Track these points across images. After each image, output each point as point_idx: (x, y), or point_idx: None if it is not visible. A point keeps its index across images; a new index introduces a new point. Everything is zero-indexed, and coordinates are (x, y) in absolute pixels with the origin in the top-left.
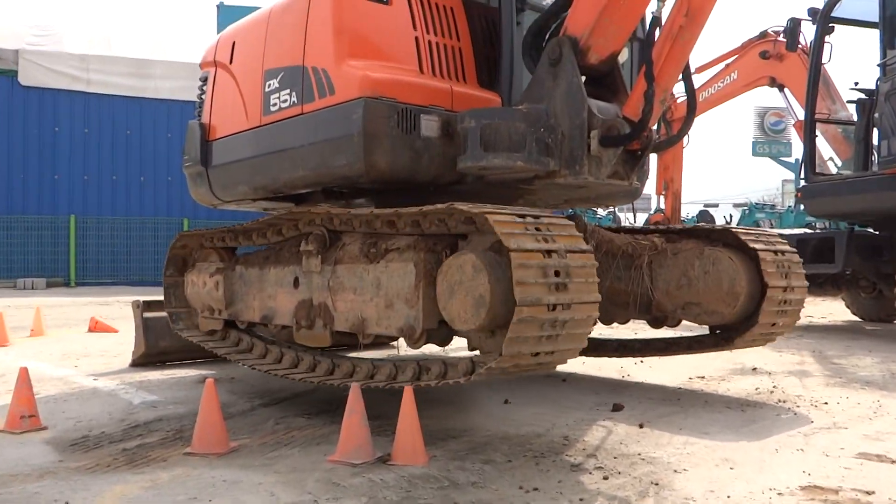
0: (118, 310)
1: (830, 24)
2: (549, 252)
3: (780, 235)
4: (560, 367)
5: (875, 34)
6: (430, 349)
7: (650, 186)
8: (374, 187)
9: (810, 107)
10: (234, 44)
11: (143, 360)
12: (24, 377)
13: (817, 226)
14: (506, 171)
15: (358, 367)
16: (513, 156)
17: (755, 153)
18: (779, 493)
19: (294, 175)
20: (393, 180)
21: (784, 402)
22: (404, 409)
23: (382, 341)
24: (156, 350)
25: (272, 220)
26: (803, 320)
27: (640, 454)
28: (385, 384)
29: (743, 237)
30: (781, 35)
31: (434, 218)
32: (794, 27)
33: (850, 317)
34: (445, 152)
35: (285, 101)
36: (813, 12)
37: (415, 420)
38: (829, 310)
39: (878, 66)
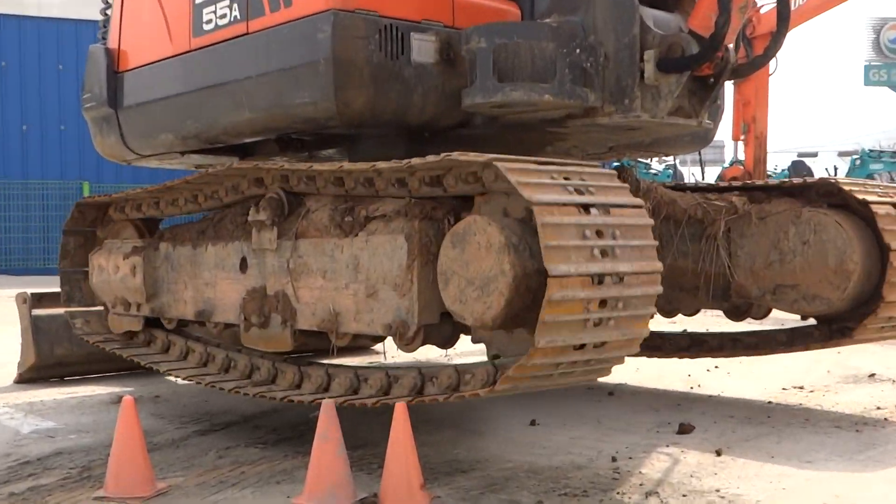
0: None
1: None
2: (585, 207)
3: None
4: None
5: None
6: (428, 353)
7: (724, 130)
8: (349, 133)
9: None
10: None
11: (34, 375)
12: None
13: None
14: (528, 108)
15: (335, 378)
16: (538, 87)
17: (868, 82)
18: None
19: (238, 118)
20: (374, 123)
21: None
22: (395, 433)
23: (362, 344)
24: (50, 360)
25: (208, 178)
26: None
27: (718, 490)
28: (375, 401)
29: (855, 192)
30: None
31: (425, 174)
32: None
33: None
34: (446, 84)
35: (224, 16)
36: None
37: (410, 448)
38: None
39: None
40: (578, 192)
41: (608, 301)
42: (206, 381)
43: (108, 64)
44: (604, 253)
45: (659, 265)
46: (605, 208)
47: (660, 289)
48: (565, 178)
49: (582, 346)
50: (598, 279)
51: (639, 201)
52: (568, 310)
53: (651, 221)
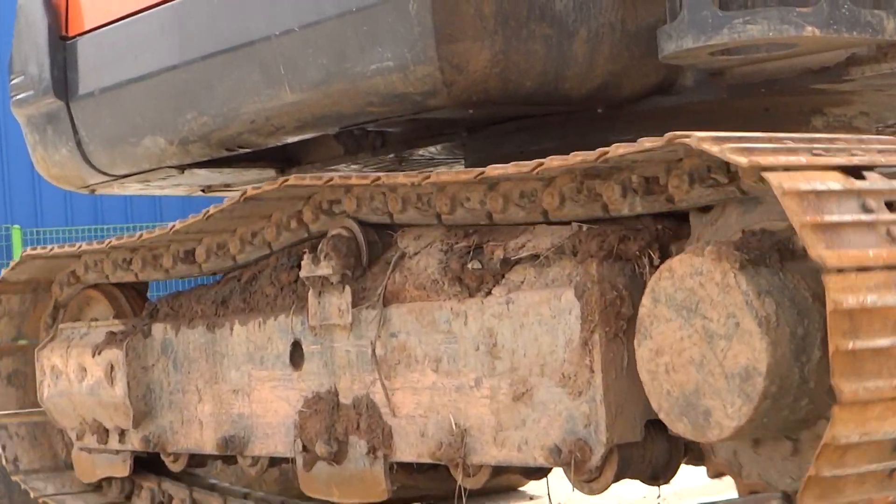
0: None
1: None
2: None
3: None
4: None
5: None
6: (623, 493)
7: None
8: (461, 119)
9: None
10: None
11: None
12: None
13: None
14: (779, 51)
15: None
16: (792, 14)
17: None
18: None
19: (273, 103)
20: (504, 98)
21: None
22: None
23: (510, 483)
24: None
25: (248, 209)
26: None
27: None
28: None
29: None
30: None
31: (632, 176)
32: None
33: None
34: (627, 21)
35: None
36: None
37: None
38: None
39: None
40: None
41: None
42: None
43: (50, 25)
44: None
45: None
46: None
47: None
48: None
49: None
50: None
51: None
52: (864, 451)
53: None
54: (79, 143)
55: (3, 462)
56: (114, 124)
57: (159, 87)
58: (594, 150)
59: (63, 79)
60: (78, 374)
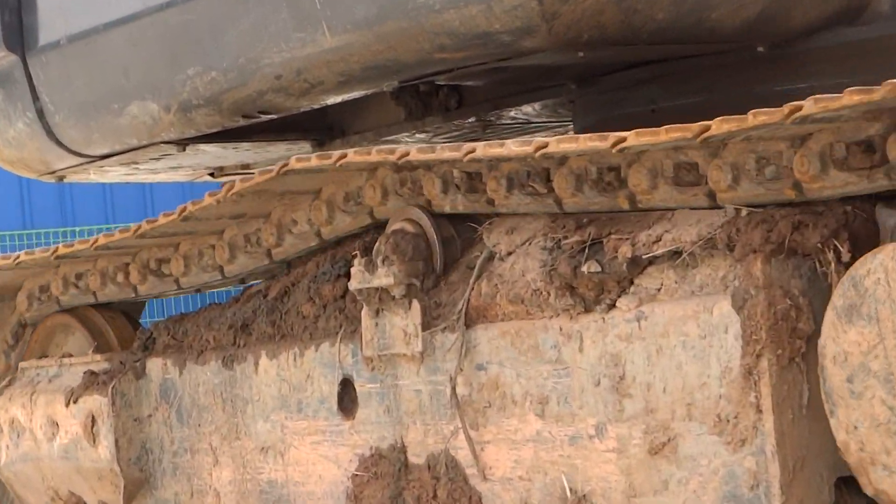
0: None
1: None
2: None
3: None
4: None
5: None
6: None
7: None
8: (568, 65)
9: None
10: None
11: None
12: None
13: None
14: None
15: None
16: None
17: None
18: None
19: (308, 51)
20: (627, 35)
21: None
22: None
23: None
24: None
25: (261, 184)
26: None
27: None
28: None
29: None
30: None
31: (845, 128)
32: None
33: None
34: None
35: None
36: None
37: None
38: None
39: None
40: None
41: None
42: None
43: None
44: None
45: None
46: None
47: None
48: None
49: None
50: None
51: None
52: None
53: None
54: (40, 113)
55: None
56: (88, 86)
57: (149, 33)
58: (765, 104)
59: (16, 24)
60: (47, 431)
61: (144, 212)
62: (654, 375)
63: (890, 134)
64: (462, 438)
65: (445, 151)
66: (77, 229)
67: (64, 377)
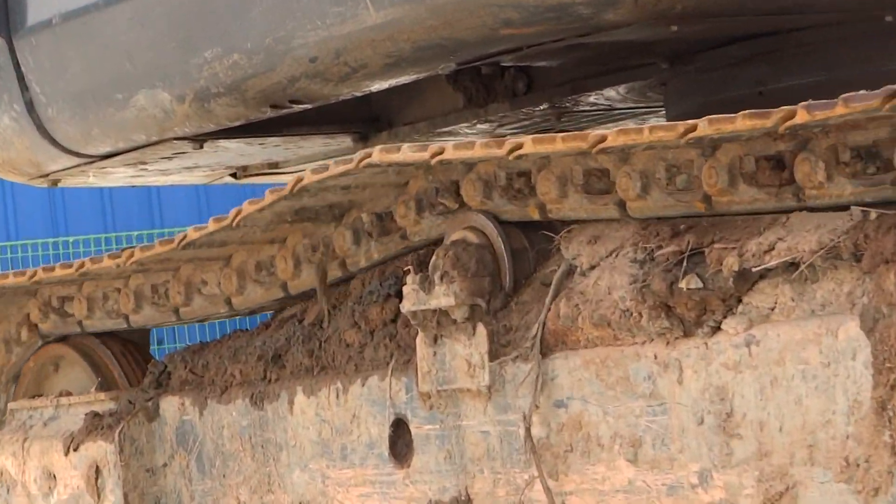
0: None
1: None
2: None
3: None
4: None
5: None
6: None
7: None
8: (658, 41)
9: None
10: None
11: None
12: None
13: None
14: None
15: None
16: None
17: None
18: None
19: (348, 28)
20: (727, 6)
21: None
22: None
23: None
24: None
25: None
26: None
27: None
28: None
29: None
30: None
31: None
32: None
33: None
34: None
35: None
36: None
37: None
38: None
39: None
40: None
41: None
42: None
43: None
44: None
45: None
46: None
47: None
48: None
49: None
50: None
51: None
52: None
53: None
54: (29, 105)
55: None
56: (86, 73)
57: (158, 9)
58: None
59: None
60: (42, 485)
61: (151, 220)
62: (767, 412)
63: None
64: (539, 489)
65: (561, 144)
66: (70, 239)
67: (62, 420)
